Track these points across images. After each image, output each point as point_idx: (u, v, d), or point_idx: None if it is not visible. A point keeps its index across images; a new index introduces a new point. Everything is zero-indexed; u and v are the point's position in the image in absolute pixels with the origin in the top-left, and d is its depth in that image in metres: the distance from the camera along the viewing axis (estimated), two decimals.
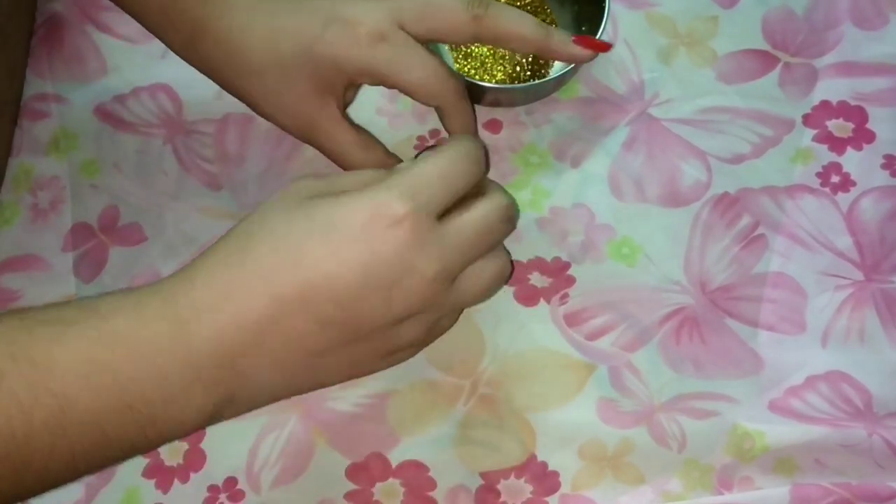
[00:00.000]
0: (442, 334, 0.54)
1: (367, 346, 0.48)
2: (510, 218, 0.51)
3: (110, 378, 0.42)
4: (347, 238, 0.45)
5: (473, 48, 0.65)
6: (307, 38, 0.54)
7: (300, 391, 0.50)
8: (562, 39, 0.57)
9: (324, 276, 0.45)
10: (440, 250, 0.47)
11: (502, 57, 0.64)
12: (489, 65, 0.64)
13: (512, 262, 0.55)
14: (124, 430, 0.43)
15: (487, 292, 0.52)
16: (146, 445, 0.46)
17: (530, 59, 0.65)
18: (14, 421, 0.40)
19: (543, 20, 0.65)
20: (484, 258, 0.50)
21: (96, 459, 0.44)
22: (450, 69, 0.55)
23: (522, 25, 0.55)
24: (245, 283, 0.45)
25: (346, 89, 0.57)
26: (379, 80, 0.55)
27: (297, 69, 0.54)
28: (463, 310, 0.55)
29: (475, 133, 0.59)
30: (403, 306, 0.47)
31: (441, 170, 0.48)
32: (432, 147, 0.60)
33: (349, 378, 0.51)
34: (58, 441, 0.41)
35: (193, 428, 0.47)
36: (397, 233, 0.45)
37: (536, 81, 0.64)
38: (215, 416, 0.47)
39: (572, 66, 0.61)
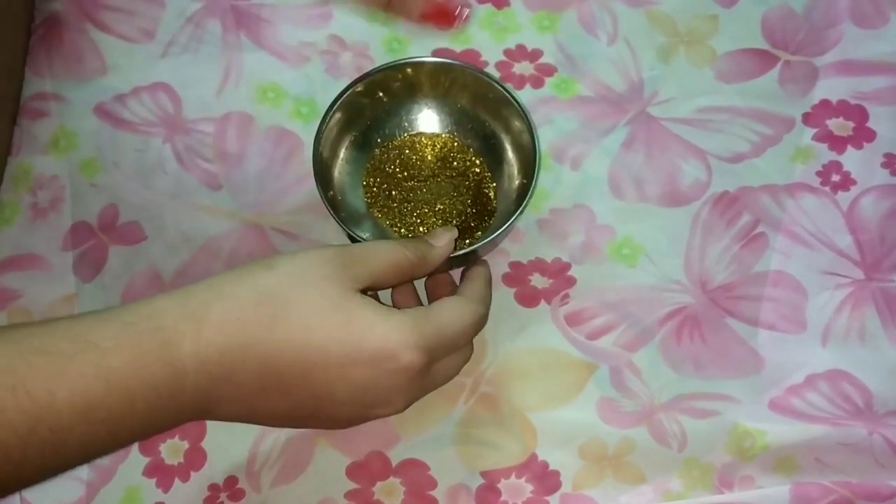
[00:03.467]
0: None
1: (313, 424, 0.52)
2: (464, 365, 0.55)
3: (104, 413, 0.43)
4: (364, 359, 0.47)
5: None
6: None
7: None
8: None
9: (320, 376, 0.47)
10: (421, 391, 0.52)
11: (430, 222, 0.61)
12: (431, 200, 0.61)
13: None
14: (107, 451, 0.45)
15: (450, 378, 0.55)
16: (118, 451, 0.48)
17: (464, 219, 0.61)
18: (11, 449, 0.41)
19: (477, 173, 0.62)
20: (455, 360, 0.54)
21: (77, 465, 0.45)
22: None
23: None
24: (250, 344, 0.46)
25: None
26: None
27: None
28: None
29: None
30: (362, 419, 0.51)
31: (458, 333, 0.51)
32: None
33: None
34: (48, 464, 0.43)
35: (150, 437, 0.49)
36: (401, 376, 0.49)
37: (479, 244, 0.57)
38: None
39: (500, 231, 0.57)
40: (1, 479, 0.41)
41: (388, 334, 0.48)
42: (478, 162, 0.62)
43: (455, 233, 0.55)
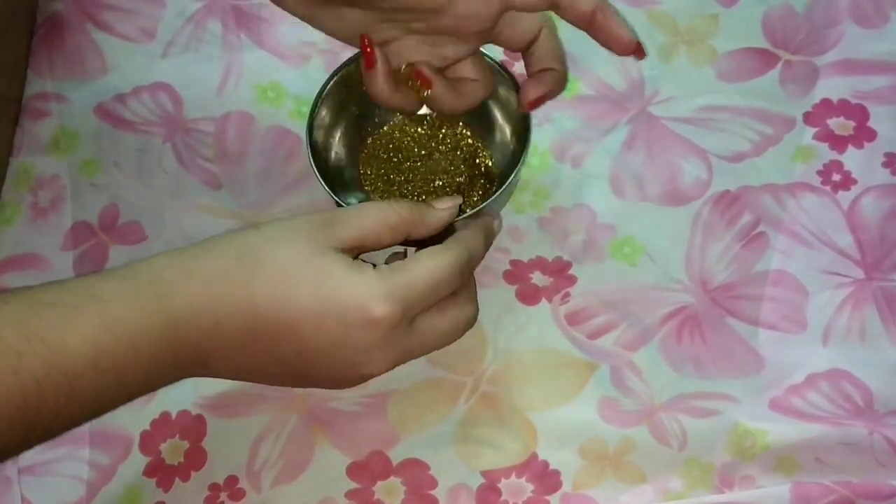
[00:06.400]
0: None
1: (308, 384, 0.52)
2: (467, 328, 0.54)
3: (111, 361, 0.45)
4: (335, 312, 0.48)
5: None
6: None
7: (248, 382, 0.54)
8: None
9: (299, 329, 0.48)
10: (401, 354, 0.51)
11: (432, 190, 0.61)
12: (429, 178, 0.61)
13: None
14: (117, 400, 0.47)
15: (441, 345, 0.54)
16: (124, 403, 0.48)
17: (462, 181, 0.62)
18: (29, 394, 0.43)
19: (481, 159, 0.62)
20: (444, 316, 0.53)
21: (88, 418, 0.47)
22: None
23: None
24: (234, 296, 0.48)
25: None
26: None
27: None
28: None
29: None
30: (351, 377, 0.51)
31: (432, 283, 0.50)
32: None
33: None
34: (63, 410, 0.44)
35: (156, 389, 0.50)
36: (374, 330, 0.48)
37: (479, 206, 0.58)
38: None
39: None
40: (20, 427, 0.43)
41: (355, 286, 0.48)
42: (468, 133, 0.62)
43: (459, 200, 0.55)
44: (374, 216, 0.51)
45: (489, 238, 0.56)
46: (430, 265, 0.50)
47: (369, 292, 0.48)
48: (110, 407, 0.47)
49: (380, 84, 0.54)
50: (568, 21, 0.52)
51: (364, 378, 0.51)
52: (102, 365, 0.45)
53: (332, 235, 0.50)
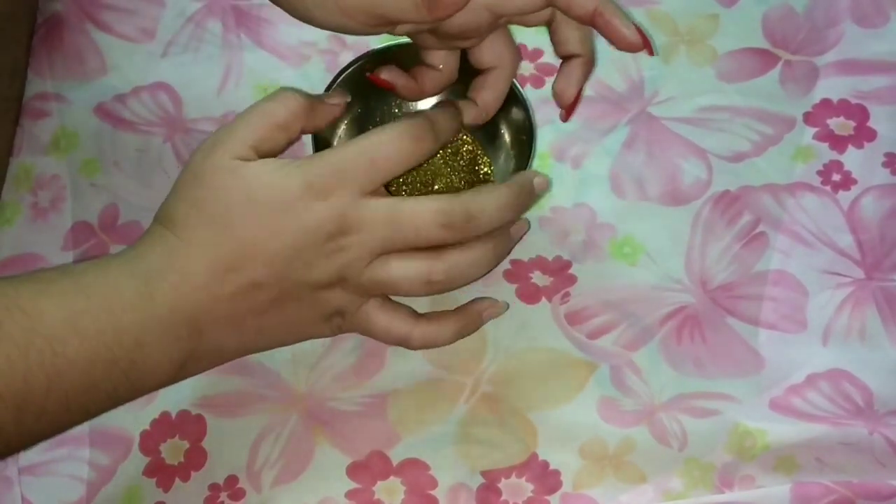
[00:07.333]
0: (373, 319, 0.54)
1: (300, 307, 0.52)
2: (447, 224, 0.51)
3: (91, 323, 0.46)
4: (278, 209, 0.49)
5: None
6: None
7: (256, 349, 0.54)
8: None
9: (254, 244, 0.49)
10: (361, 227, 0.50)
11: (437, 172, 0.61)
12: (428, 181, 0.61)
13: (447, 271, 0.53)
14: (109, 373, 0.47)
15: (406, 284, 0.52)
16: (129, 391, 0.49)
17: (465, 166, 0.62)
18: (14, 362, 0.44)
19: (479, 166, 0.62)
20: (415, 258, 0.52)
21: (86, 403, 0.47)
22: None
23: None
24: (186, 252, 0.49)
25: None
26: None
27: None
28: (390, 296, 0.55)
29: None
30: (323, 270, 0.51)
31: (369, 150, 0.50)
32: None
33: (299, 338, 0.55)
34: (52, 382, 0.45)
35: (167, 377, 0.50)
36: (322, 207, 0.49)
37: None
38: (183, 369, 0.50)
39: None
40: (11, 402, 0.44)
41: (272, 173, 0.50)
42: (468, 139, 0.62)
43: (348, 96, 0.56)
44: (261, 118, 0.52)
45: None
46: (362, 138, 0.51)
47: (305, 178, 0.49)
48: (107, 389, 0.47)
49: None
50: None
51: (342, 258, 0.50)
52: (82, 327, 0.45)
53: (226, 150, 0.50)
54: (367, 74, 0.57)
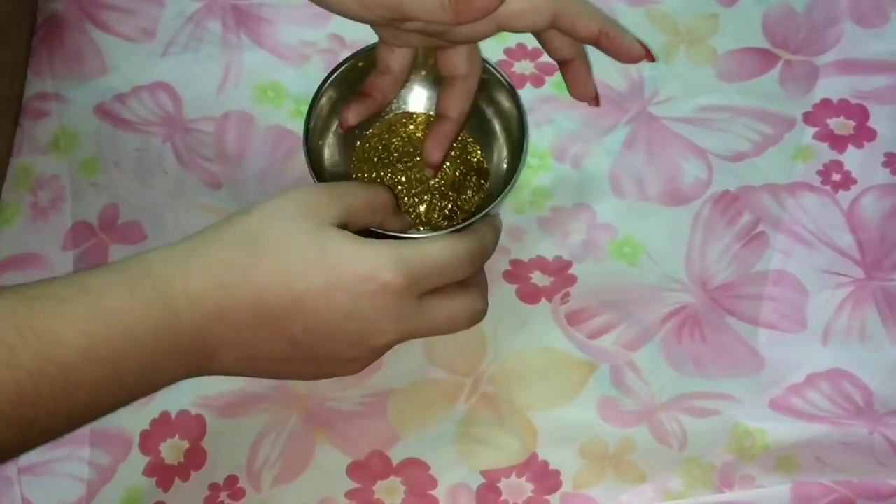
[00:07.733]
0: None
1: (316, 369, 0.53)
2: (475, 321, 0.56)
3: (106, 351, 0.45)
4: (343, 284, 0.49)
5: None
6: None
7: (257, 377, 0.55)
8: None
9: (308, 306, 0.49)
10: (409, 325, 0.52)
11: (416, 192, 0.61)
12: (408, 199, 0.61)
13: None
14: (115, 395, 0.47)
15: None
16: (126, 403, 0.49)
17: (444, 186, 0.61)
18: (24, 388, 0.43)
19: (469, 154, 0.62)
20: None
21: (89, 417, 0.47)
22: None
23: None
24: (237, 284, 0.48)
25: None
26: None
27: None
28: None
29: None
30: (359, 353, 0.52)
31: (441, 263, 0.52)
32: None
33: (295, 379, 0.57)
34: (60, 405, 0.44)
35: (165, 388, 0.50)
36: (382, 297, 0.50)
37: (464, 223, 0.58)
38: (179, 381, 0.50)
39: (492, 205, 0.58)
40: (16, 423, 0.43)
41: (362, 256, 0.49)
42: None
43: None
44: (361, 194, 0.53)
45: (497, 238, 0.58)
46: (442, 245, 0.52)
47: (376, 261, 0.49)
48: (110, 404, 0.47)
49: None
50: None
51: (374, 352, 0.52)
52: (97, 355, 0.45)
53: (323, 211, 0.51)
54: (340, 131, 0.59)
